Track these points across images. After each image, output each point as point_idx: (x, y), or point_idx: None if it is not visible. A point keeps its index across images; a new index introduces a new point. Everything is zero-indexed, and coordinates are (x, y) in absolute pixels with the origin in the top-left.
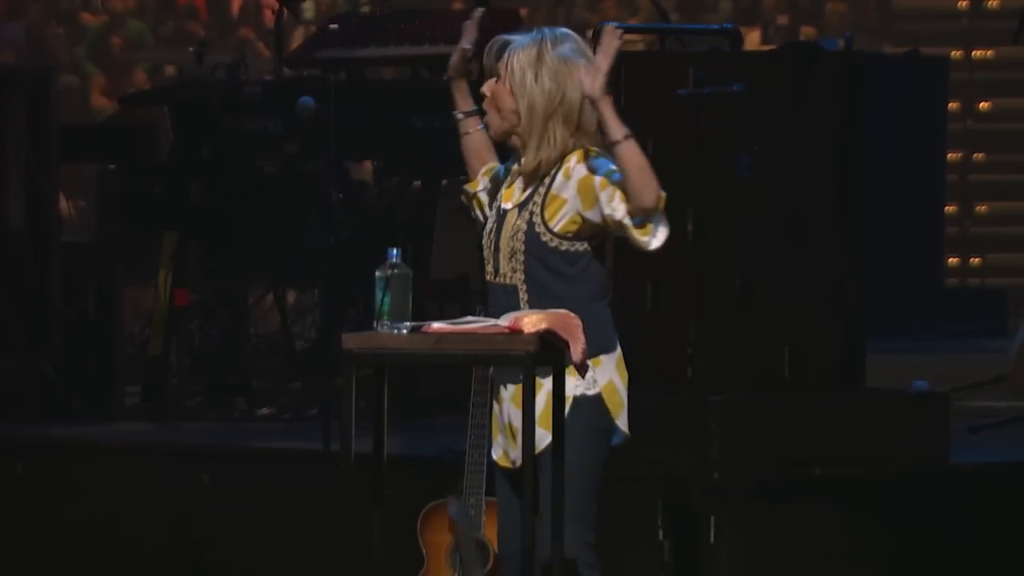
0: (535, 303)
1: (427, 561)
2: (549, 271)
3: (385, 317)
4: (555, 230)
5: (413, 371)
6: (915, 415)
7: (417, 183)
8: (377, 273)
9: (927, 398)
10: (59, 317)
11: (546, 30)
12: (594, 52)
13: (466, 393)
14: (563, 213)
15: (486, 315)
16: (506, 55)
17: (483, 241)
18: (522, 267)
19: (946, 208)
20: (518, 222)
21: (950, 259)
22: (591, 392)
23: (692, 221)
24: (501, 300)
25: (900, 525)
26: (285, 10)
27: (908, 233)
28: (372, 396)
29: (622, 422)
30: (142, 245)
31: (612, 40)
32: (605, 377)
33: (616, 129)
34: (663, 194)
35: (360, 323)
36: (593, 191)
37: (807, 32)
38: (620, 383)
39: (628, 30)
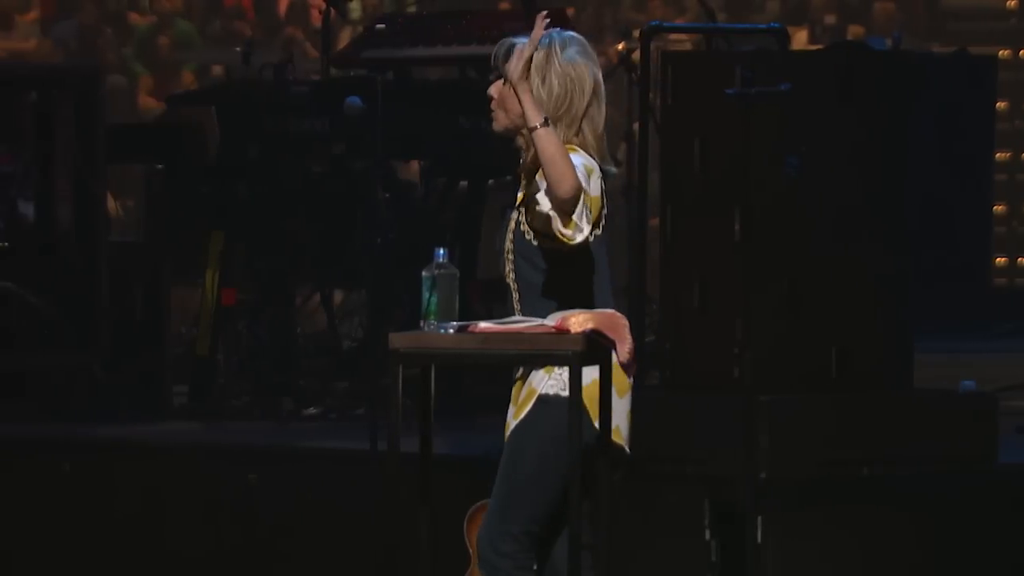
0: (524, 302)
1: (474, 560)
2: (535, 269)
3: (432, 317)
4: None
5: (459, 371)
6: (963, 415)
7: (464, 183)
8: (424, 273)
9: (975, 398)
10: (107, 317)
11: (554, 33)
12: (641, 52)
13: None
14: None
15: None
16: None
17: None
18: (513, 266)
19: (994, 208)
20: (510, 222)
21: (998, 259)
22: (563, 393)
23: (740, 221)
24: (507, 300)
25: (947, 525)
26: (332, 10)
27: (956, 233)
28: (418, 396)
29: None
30: (189, 245)
31: (538, 28)
32: (587, 379)
33: (532, 117)
34: (580, 186)
35: (407, 323)
36: None
37: (855, 31)
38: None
39: (675, 30)
